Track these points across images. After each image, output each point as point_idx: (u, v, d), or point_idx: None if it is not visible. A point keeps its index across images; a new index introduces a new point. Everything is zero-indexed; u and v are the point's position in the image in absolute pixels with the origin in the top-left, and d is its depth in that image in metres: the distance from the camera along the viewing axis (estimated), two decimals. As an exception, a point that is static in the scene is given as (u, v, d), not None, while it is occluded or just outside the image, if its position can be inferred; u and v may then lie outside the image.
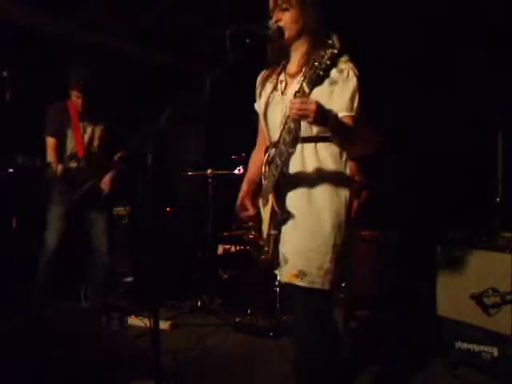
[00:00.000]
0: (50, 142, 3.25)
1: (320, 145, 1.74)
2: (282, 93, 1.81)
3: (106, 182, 3.36)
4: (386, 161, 3.73)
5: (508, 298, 2.34)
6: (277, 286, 3.31)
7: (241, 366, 2.74)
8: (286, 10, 1.72)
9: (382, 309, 3.39)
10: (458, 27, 3.58)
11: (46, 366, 2.59)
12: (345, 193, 1.75)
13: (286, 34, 1.72)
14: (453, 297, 2.63)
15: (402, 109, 3.86)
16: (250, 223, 1.99)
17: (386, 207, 3.66)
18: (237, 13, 3.54)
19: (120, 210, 4.20)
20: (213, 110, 4.82)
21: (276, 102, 1.83)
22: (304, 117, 1.49)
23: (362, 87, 1.73)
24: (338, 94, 1.67)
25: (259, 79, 1.97)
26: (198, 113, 5.07)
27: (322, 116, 1.50)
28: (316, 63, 1.42)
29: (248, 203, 1.94)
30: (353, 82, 1.68)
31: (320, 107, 1.48)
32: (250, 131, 2.19)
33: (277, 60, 1.86)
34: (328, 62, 1.39)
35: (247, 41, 1.67)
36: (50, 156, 3.23)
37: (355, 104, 1.69)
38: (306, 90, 1.48)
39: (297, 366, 1.91)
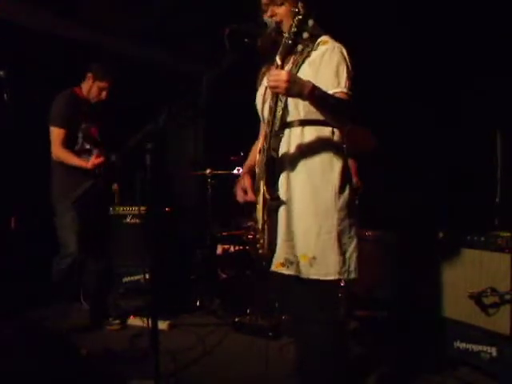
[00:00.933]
0: (60, 133, 3.12)
1: (307, 128, 1.71)
2: None
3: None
4: (386, 161, 3.74)
5: (507, 297, 2.34)
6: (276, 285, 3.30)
7: (240, 366, 2.74)
8: (281, 4, 1.71)
9: (381, 309, 3.39)
10: (457, 28, 3.58)
11: (45, 365, 2.59)
12: (333, 179, 1.69)
13: (284, 29, 1.70)
14: (452, 296, 2.63)
15: (402, 109, 3.86)
16: (249, 223, 1.98)
17: (385, 207, 3.66)
18: (237, 13, 3.55)
19: (121, 209, 4.22)
20: (212, 110, 4.82)
21: (266, 92, 1.81)
22: (276, 88, 1.48)
23: (360, 86, 1.73)
24: (322, 73, 1.65)
25: (259, 76, 1.96)
26: (197, 112, 5.08)
27: (294, 86, 1.47)
28: (285, 35, 1.43)
29: (247, 183, 1.88)
30: (336, 57, 1.66)
31: (292, 77, 1.47)
32: (249, 131, 2.19)
33: (270, 54, 1.85)
34: (295, 30, 1.40)
35: (245, 40, 1.67)
36: (59, 149, 3.12)
37: (342, 79, 1.65)
38: (279, 62, 1.49)
39: (298, 362, 1.92)
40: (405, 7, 3.68)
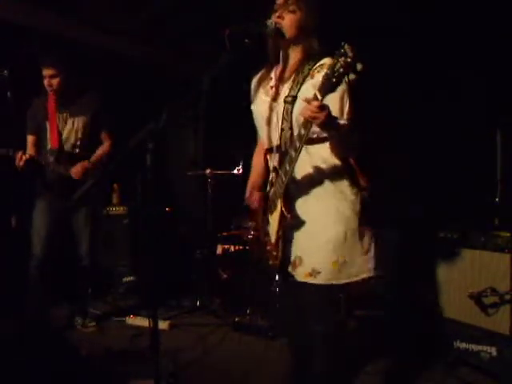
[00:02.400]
0: (29, 139, 3.21)
1: (323, 146, 1.75)
2: (274, 99, 1.83)
3: (76, 171, 3.15)
4: (386, 161, 3.74)
5: (506, 297, 2.34)
6: (275, 286, 3.31)
7: (240, 366, 2.74)
8: (292, 11, 1.72)
9: (381, 309, 3.39)
10: (458, 27, 3.58)
11: (45, 365, 2.59)
12: (350, 190, 1.79)
13: (286, 35, 1.73)
14: (452, 296, 2.63)
15: (402, 109, 3.86)
16: (250, 223, 2.00)
17: (386, 207, 3.66)
18: (237, 13, 3.56)
19: (121, 209, 4.23)
20: (212, 110, 4.82)
21: (271, 106, 1.84)
22: (315, 118, 1.51)
23: (361, 86, 1.73)
24: (328, 100, 1.63)
25: (254, 81, 1.96)
26: (197, 112, 5.07)
27: (331, 122, 1.54)
28: (328, 71, 1.43)
29: (256, 193, 1.96)
30: (342, 87, 1.65)
31: (330, 114, 1.52)
32: (248, 131, 2.19)
33: (274, 60, 1.86)
34: (341, 70, 1.41)
35: (246, 40, 1.67)
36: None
37: (346, 107, 1.70)
38: (319, 97, 1.49)
39: (299, 364, 1.94)
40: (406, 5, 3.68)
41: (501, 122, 3.10)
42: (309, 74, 1.71)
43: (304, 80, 1.72)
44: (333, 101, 1.66)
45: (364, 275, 1.79)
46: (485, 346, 2.46)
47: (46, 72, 3.10)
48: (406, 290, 3.37)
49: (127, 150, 1.82)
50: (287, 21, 1.73)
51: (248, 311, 3.45)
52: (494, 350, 2.42)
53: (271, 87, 1.85)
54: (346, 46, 1.40)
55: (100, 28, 4.38)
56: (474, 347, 2.51)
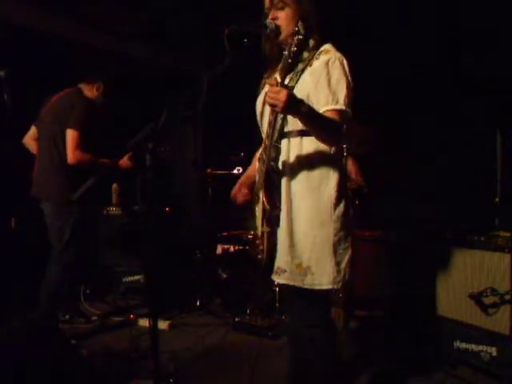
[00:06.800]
0: (79, 136, 2.99)
1: (306, 139, 1.70)
2: None
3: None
4: (386, 161, 3.74)
5: (506, 297, 2.34)
6: (275, 286, 3.31)
7: (240, 366, 2.74)
8: (281, 8, 1.71)
9: (381, 309, 3.39)
10: (458, 26, 3.58)
11: (45, 365, 2.59)
12: (329, 190, 1.70)
13: (283, 33, 1.72)
14: (452, 296, 2.63)
15: (402, 109, 3.86)
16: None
17: (385, 207, 3.66)
18: (236, 12, 3.55)
19: (120, 209, 4.22)
20: (212, 110, 4.81)
21: None
22: (274, 106, 1.48)
23: (360, 86, 1.73)
24: (321, 86, 1.64)
25: (262, 80, 1.96)
26: (197, 113, 5.07)
27: (292, 106, 1.47)
28: (285, 52, 1.44)
29: (244, 188, 1.93)
30: (336, 72, 1.64)
31: (290, 97, 1.45)
32: (248, 131, 2.19)
33: (275, 59, 1.85)
34: (295, 49, 1.41)
35: (245, 40, 1.67)
36: (79, 152, 2.99)
37: (341, 95, 1.63)
38: (279, 79, 1.49)
39: (290, 366, 1.92)
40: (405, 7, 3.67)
41: (501, 122, 3.10)
42: (308, 63, 1.68)
43: (303, 70, 1.68)
44: (325, 85, 1.63)
45: (329, 286, 1.67)
46: (485, 346, 2.46)
47: (106, 87, 3.28)
48: (406, 290, 3.37)
49: (127, 151, 1.82)
50: (281, 18, 1.72)
51: (248, 311, 3.45)
52: (493, 350, 2.42)
53: (275, 79, 1.84)
54: (300, 24, 1.39)
55: (100, 28, 4.38)
56: (474, 347, 2.50)
